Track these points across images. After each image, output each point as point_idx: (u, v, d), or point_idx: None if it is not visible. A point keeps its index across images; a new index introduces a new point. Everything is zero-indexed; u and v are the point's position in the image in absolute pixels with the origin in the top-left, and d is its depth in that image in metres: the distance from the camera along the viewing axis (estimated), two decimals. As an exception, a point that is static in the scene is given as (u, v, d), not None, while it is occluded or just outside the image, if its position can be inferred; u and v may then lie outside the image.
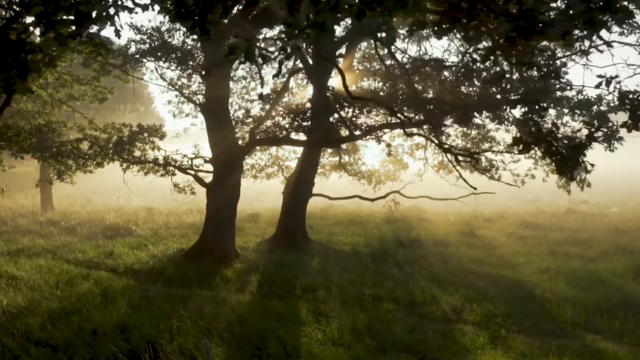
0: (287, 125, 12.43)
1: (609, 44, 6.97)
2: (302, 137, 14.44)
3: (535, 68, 3.90)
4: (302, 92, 18.17)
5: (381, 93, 11.13)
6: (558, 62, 12.43)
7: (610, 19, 2.46)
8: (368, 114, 12.39)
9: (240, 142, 14.32)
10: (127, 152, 13.66)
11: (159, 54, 14.18)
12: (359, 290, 10.36)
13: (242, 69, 21.02)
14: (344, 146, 20.62)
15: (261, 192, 31.67)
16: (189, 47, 14.40)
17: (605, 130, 8.63)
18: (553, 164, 3.39)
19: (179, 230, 18.11)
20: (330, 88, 14.13)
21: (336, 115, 13.13)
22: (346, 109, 11.92)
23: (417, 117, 10.33)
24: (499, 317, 8.78)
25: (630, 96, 4.18)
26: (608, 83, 4.16)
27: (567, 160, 3.31)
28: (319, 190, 17.64)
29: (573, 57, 17.17)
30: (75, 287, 10.14)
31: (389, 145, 12.18)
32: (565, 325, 8.62)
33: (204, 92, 14.22)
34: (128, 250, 14.04)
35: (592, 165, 3.56)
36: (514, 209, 24.21)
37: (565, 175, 3.42)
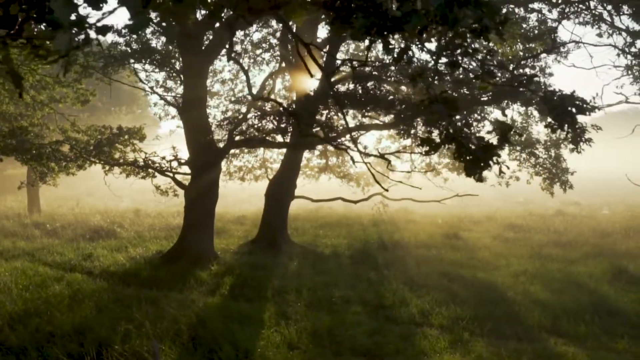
0: (264, 127, 12.41)
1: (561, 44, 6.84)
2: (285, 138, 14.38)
3: (460, 67, 3.85)
4: (285, 92, 18.18)
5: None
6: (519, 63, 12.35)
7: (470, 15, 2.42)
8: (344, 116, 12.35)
9: (220, 143, 14.31)
10: (106, 154, 13.67)
11: (137, 55, 14.20)
12: (329, 293, 10.31)
13: (228, 71, 21.07)
14: (330, 148, 20.61)
15: (253, 194, 31.66)
16: (169, 49, 14.42)
17: (572, 132, 8.59)
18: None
19: (164, 232, 18.09)
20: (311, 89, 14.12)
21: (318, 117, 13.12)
22: (322, 110, 11.90)
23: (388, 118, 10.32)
24: (465, 320, 8.71)
25: (555, 97, 4.11)
26: (529, 81, 4.10)
27: (479, 161, 3.27)
28: (309, 192, 17.61)
29: (558, 58, 17.15)
30: (46, 289, 10.12)
31: (365, 148, 12.15)
32: (531, 329, 8.54)
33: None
34: (107, 252, 14.03)
35: (497, 166, 3.50)
36: (503, 211, 24.12)
37: (473, 176, 3.37)
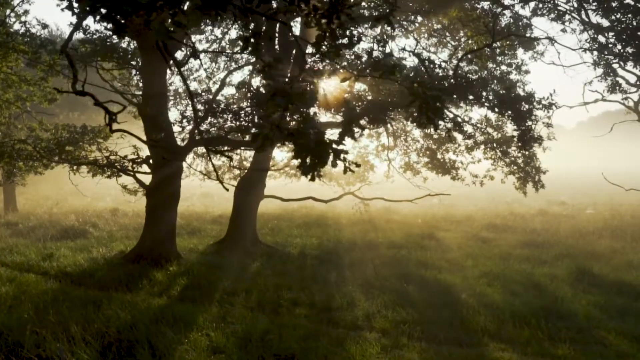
0: (222, 125, 12.21)
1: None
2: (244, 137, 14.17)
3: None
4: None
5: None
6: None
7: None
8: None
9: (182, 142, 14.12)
10: (67, 153, 13.53)
11: (102, 55, 14.04)
12: (280, 295, 10.10)
13: (204, 69, 20.93)
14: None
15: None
16: (131, 48, 14.26)
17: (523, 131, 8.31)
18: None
19: (136, 232, 17.93)
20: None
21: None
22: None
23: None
24: (408, 324, 8.46)
25: (421, 90, 3.84)
26: (389, 71, 3.84)
27: (317, 159, 3.04)
28: (290, 191, 17.39)
29: (535, 56, 16.83)
30: (-8, 290, 9.96)
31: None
32: (474, 333, 8.28)
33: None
34: (70, 252, 13.88)
35: (354, 163, 3.23)
36: (485, 211, 23.79)
37: (306, 176, 3.15)
